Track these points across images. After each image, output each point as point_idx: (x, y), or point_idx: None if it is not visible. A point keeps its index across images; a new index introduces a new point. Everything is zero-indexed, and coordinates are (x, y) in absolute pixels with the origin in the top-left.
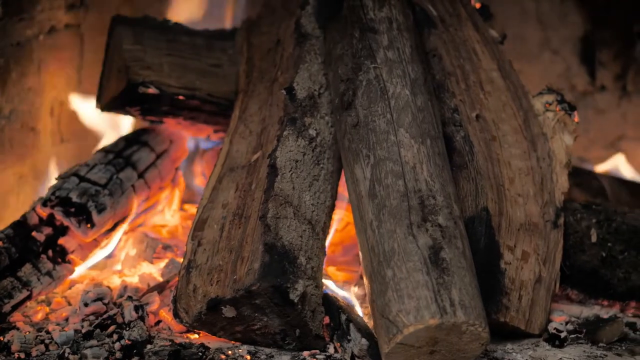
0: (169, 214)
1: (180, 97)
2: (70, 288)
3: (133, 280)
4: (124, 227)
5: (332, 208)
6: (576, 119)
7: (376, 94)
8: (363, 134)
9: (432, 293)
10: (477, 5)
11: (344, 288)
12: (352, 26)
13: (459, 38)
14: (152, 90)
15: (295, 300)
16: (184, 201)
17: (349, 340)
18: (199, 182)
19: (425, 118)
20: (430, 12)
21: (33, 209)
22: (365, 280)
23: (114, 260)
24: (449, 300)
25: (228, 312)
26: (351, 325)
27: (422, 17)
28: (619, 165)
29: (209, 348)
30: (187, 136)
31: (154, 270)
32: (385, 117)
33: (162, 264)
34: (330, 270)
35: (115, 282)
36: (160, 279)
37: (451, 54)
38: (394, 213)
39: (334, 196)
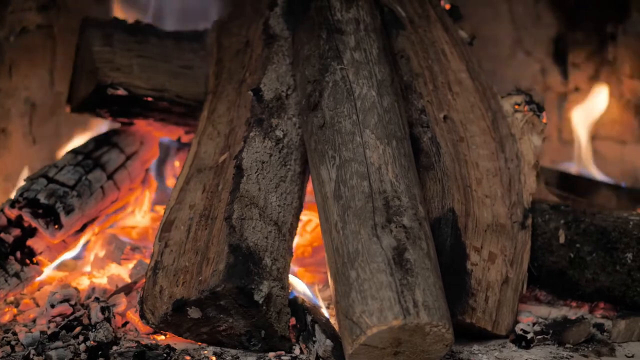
0: (140, 215)
1: (149, 99)
2: (39, 289)
3: (102, 281)
4: (94, 228)
5: (299, 209)
6: (544, 120)
7: (342, 95)
8: (329, 135)
9: (395, 294)
10: (447, 7)
11: (311, 289)
12: (319, 27)
13: (427, 39)
14: (120, 91)
15: (260, 302)
16: (155, 202)
17: (314, 342)
18: (171, 183)
19: (392, 119)
20: (399, 13)
21: (1, 210)
22: (330, 281)
23: (84, 261)
24: (412, 301)
25: (193, 313)
26: (316, 326)
27: (390, 18)
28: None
29: (175, 349)
30: (158, 137)
31: (123, 272)
32: (351, 118)
33: (131, 265)
34: (299, 271)
35: (84, 283)
36: (129, 280)
37: (420, 55)
38: (358, 214)
39: (302, 197)
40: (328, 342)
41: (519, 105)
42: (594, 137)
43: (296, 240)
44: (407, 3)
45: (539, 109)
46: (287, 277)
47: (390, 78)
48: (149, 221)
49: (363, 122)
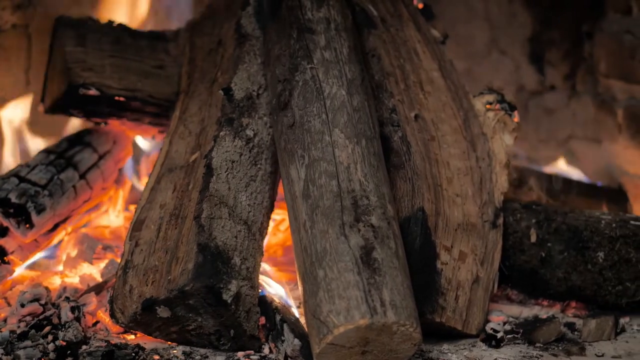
0: (114, 214)
1: (121, 99)
2: (11, 289)
3: (74, 280)
4: (66, 228)
5: (270, 209)
6: (516, 119)
7: (312, 95)
8: (298, 135)
9: (362, 293)
10: (420, 6)
11: (283, 288)
12: (290, 26)
13: (399, 38)
14: (92, 92)
15: (229, 301)
16: (129, 202)
17: (282, 341)
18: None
19: (361, 118)
20: (371, 12)
21: None
22: (298, 280)
23: (56, 261)
24: (379, 301)
25: (163, 312)
26: (285, 325)
27: (362, 17)
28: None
29: (144, 348)
30: (132, 137)
31: (95, 271)
32: (321, 118)
33: (103, 264)
34: (271, 270)
35: (56, 282)
36: (101, 280)
37: (391, 54)
38: (326, 213)
39: (273, 197)
40: (296, 341)
41: (490, 104)
42: (569, 136)
43: (269, 240)
44: (379, 2)
45: (511, 108)
46: (257, 277)
47: (360, 77)
48: (123, 220)
49: (332, 121)
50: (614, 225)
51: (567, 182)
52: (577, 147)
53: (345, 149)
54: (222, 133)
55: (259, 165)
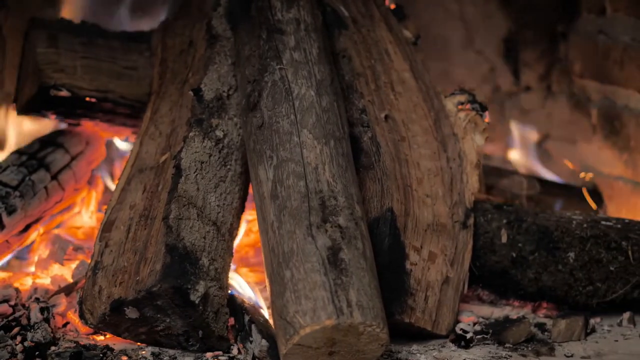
0: (87, 215)
1: (92, 100)
2: None
3: (45, 281)
4: (38, 229)
5: (240, 209)
6: (487, 120)
7: (281, 95)
8: (267, 135)
9: (329, 294)
10: (392, 6)
11: (253, 289)
12: (260, 27)
13: (371, 39)
14: (63, 93)
15: (196, 302)
16: (102, 203)
17: (250, 342)
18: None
19: (330, 119)
20: (342, 12)
21: None
22: (266, 281)
23: (28, 262)
24: (346, 301)
25: (131, 313)
26: (253, 326)
27: (332, 18)
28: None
29: (113, 349)
30: (105, 138)
31: (66, 272)
32: (289, 118)
33: (74, 265)
34: (243, 271)
35: (28, 283)
36: (71, 281)
37: (362, 54)
38: (294, 214)
39: (243, 197)
40: (264, 342)
41: (462, 104)
42: (545, 137)
43: (242, 241)
44: (350, 2)
45: (482, 108)
46: (226, 277)
47: (330, 78)
48: (95, 221)
49: (301, 122)
50: (585, 225)
51: (542, 182)
52: (553, 148)
53: (313, 150)
54: (191, 134)
55: (228, 166)
